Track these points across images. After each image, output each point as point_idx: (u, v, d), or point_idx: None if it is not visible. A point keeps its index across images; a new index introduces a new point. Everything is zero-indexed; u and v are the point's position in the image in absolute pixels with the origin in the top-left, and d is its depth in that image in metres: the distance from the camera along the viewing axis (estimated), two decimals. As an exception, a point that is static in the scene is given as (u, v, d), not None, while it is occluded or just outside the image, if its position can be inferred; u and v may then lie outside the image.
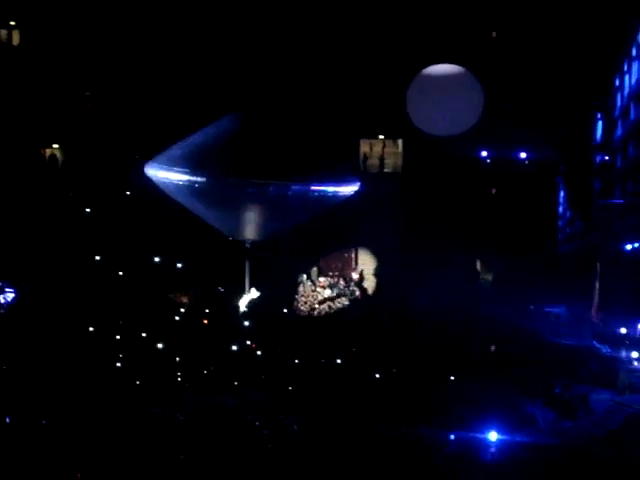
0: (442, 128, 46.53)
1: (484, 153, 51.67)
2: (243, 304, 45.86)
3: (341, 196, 38.74)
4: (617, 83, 50.90)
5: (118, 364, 44.75)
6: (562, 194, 55.60)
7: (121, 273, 51.05)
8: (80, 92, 53.29)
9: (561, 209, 56.07)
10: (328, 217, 46.38)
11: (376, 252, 53.45)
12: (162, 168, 38.44)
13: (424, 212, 50.62)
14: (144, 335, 46.84)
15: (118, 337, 46.80)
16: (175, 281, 51.67)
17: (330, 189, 37.48)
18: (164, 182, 38.65)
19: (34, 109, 51.46)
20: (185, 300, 51.93)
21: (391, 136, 54.80)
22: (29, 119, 51.59)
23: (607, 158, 51.61)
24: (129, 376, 42.90)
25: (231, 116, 39.86)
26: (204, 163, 36.71)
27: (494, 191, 51.24)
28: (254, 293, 45.49)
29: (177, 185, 37.29)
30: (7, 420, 35.49)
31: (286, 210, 38.28)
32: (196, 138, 38.69)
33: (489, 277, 53.23)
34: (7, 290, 49.04)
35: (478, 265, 53.47)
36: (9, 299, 49.02)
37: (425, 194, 51.36)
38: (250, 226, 40.11)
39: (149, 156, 42.15)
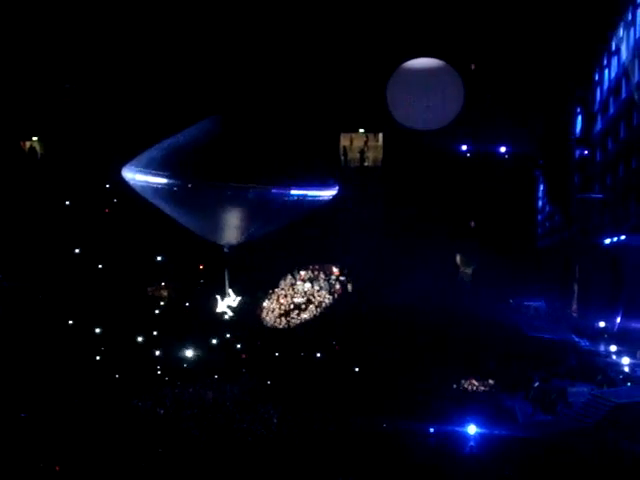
0: (422, 122, 46.51)
1: (464, 147, 51.76)
2: (222, 306, 45.57)
3: (321, 200, 38.53)
4: (597, 77, 51.13)
5: (98, 357, 44.63)
6: (542, 188, 55.82)
7: (100, 266, 50.85)
8: (60, 85, 52.89)
9: (540, 203, 56.33)
10: (309, 215, 46.39)
11: (356, 246, 53.37)
12: (140, 171, 37.93)
13: (404, 205, 50.65)
14: (124, 328, 46.68)
15: (98, 330, 46.64)
16: (154, 276, 51.57)
17: (310, 193, 37.22)
18: (142, 185, 38.10)
19: (14, 101, 51.04)
20: (165, 294, 51.86)
21: (372, 130, 54.82)
22: (9, 111, 51.18)
23: (586, 152, 51.80)
24: (109, 369, 42.78)
25: (210, 119, 39.44)
26: (183, 166, 36.26)
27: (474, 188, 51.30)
28: (231, 299, 45.25)
29: (156, 189, 36.82)
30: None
31: (266, 214, 37.95)
32: (175, 141, 38.14)
33: (469, 271, 53.36)
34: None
35: (458, 259, 53.61)
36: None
37: (405, 187, 51.36)
38: (229, 230, 39.74)
39: (128, 155, 41.87)
